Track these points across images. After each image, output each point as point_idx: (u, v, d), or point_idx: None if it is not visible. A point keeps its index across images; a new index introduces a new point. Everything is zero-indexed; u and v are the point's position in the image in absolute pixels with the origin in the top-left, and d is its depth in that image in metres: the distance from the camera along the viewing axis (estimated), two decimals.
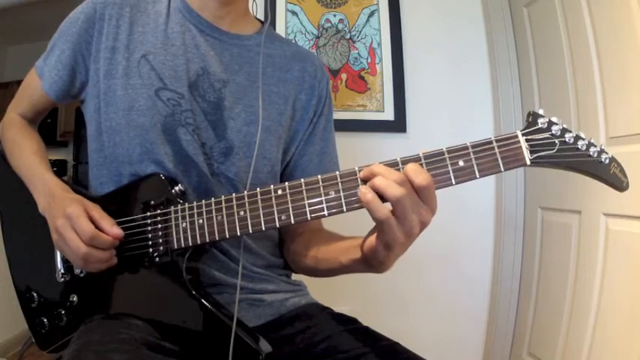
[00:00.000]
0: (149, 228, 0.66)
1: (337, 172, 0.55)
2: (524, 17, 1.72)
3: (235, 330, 0.61)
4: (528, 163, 0.51)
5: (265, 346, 0.63)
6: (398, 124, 1.74)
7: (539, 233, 1.66)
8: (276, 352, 0.65)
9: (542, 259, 1.64)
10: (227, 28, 0.78)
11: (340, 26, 1.77)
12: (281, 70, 0.81)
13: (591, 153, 0.52)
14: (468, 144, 0.52)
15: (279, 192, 0.57)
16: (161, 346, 0.61)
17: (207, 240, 0.61)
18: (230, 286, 0.71)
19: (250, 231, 0.58)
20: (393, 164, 0.53)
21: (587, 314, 1.34)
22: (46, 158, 0.79)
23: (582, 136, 0.52)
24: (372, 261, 0.57)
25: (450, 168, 0.52)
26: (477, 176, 0.51)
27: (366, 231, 0.58)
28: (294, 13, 1.76)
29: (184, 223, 0.63)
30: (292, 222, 0.56)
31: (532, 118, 0.52)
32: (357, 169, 0.54)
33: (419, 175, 0.50)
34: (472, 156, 0.51)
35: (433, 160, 0.52)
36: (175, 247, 0.64)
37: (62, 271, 0.71)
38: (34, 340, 0.76)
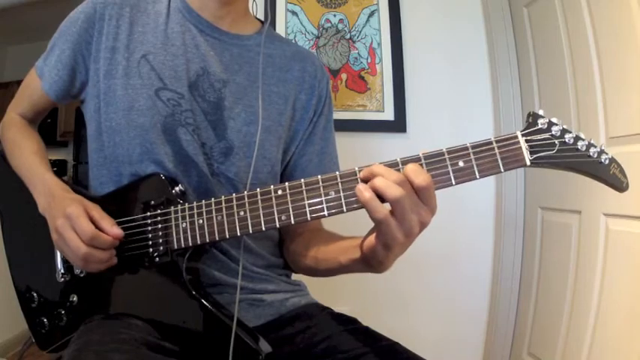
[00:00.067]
0: (149, 228, 0.66)
1: (337, 173, 0.55)
2: (524, 17, 1.72)
3: (235, 330, 0.61)
4: (528, 163, 0.51)
5: (265, 346, 0.63)
6: (398, 124, 1.74)
7: (539, 233, 1.66)
8: (276, 352, 0.65)
9: (542, 259, 1.64)
10: (227, 28, 0.78)
11: (340, 26, 1.77)
12: (281, 70, 0.81)
13: (591, 153, 0.52)
14: (468, 144, 0.52)
15: (279, 192, 0.57)
16: (161, 346, 0.61)
17: (207, 240, 0.61)
18: (230, 286, 0.71)
19: (250, 231, 0.58)
20: (393, 164, 0.53)
21: (587, 314, 1.34)
22: (46, 158, 0.79)
23: (582, 136, 0.52)
24: (372, 261, 0.57)
25: (449, 168, 0.52)
26: (477, 177, 0.51)
27: (365, 231, 0.58)
28: (294, 13, 1.76)
29: (184, 223, 0.63)
30: (292, 222, 0.56)
31: (532, 118, 0.53)
32: (357, 169, 0.54)
33: (419, 175, 0.50)
34: (472, 156, 0.51)
35: (433, 161, 0.52)
36: (175, 247, 0.64)
37: (62, 271, 0.71)
38: (34, 340, 0.76)
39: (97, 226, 0.62)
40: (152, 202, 0.66)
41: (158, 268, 0.65)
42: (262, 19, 0.87)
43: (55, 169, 0.83)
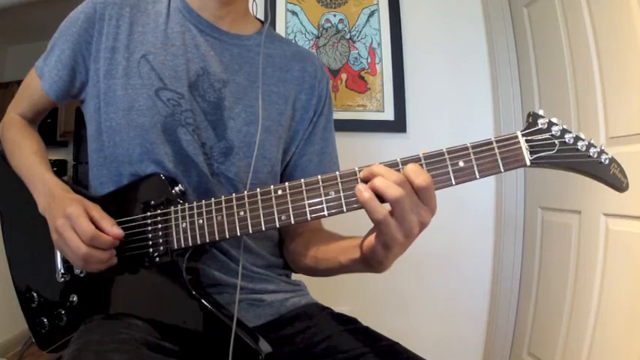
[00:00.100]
0: (149, 228, 0.66)
1: (337, 173, 0.55)
2: (524, 17, 1.72)
3: (235, 330, 0.61)
4: (528, 163, 0.51)
5: (265, 346, 0.63)
6: (398, 124, 1.74)
7: (539, 233, 1.66)
8: (276, 352, 0.65)
9: (542, 259, 1.64)
10: (227, 28, 0.78)
11: (340, 26, 1.77)
12: (281, 70, 0.81)
13: (591, 154, 0.52)
14: (468, 144, 0.52)
15: (279, 192, 0.57)
16: (161, 346, 0.61)
17: (207, 240, 0.61)
18: (230, 286, 0.71)
19: (250, 231, 0.58)
20: (393, 165, 0.53)
21: (587, 314, 1.34)
22: (46, 158, 0.79)
23: (582, 136, 0.52)
24: (371, 261, 0.57)
25: (450, 168, 0.52)
26: (477, 177, 0.51)
27: (365, 231, 0.58)
28: (294, 13, 1.76)
29: (184, 224, 0.63)
30: (292, 222, 0.56)
31: (532, 118, 0.53)
32: (357, 169, 0.54)
33: (419, 175, 0.50)
34: (472, 156, 0.51)
35: (433, 161, 0.52)
36: (175, 247, 0.64)
37: (62, 271, 0.71)
38: (34, 340, 0.76)
39: (97, 226, 0.62)
40: (152, 202, 0.66)
41: (158, 268, 0.65)
42: (262, 19, 0.87)
43: (55, 169, 0.84)
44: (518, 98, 1.78)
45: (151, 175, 0.69)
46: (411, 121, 1.75)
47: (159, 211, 0.65)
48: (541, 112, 0.52)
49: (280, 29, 1.73)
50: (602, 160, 0.52)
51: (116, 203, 0.69)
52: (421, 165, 0.52)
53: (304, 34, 1.75)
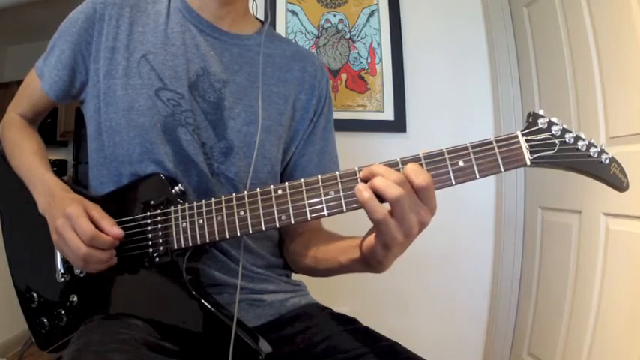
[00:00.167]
0: (149, 228, 0.66)
1: (337, 173, 0.55)
2: (524, 17, 1.72)
3: (235, 330, 0.61)
4: (528, 163, 0.51)
5: (265, 346, 0.63)
6: (398, 124, 1.74)
7: (539, 233, 1.66)
8: (276, 352, 0.65)
9: (542, 259, 1.64)
10: (227, 28, 0.78)
11: (340, 26, 1.77)
12: (281, 70, 0.81)
13: (591, 153, 0.52)
14: (468, 144, 0.52)
15: (279, 192, 0.57)
16: (161, 346, 0.61)
17: (207, 240, 0.61)
18: (230, 286, 0.71)
19: (250, 231, 0.58)
20: (393, 164, 0.53)
21: (587, 314, 1.34)
22: (46, 158, 0.79)
23: (582, 136, 0.52)
24: (371, 261, 0.57)
25: (450, 168, 0.51)
26: (477, 177, 0.51)
27: (365, 231, 0.58)
28: (294, 13, 1.76)
29: (184, 224, 0.63)
30: (292, 222, 0.56)
31: (532, 118, 0.52)
32: (357, 169, 0.54)
33: (418, 175, 0.50)
34: (472, 156, 0.51)
35: (433, 161, 0.52)
36: (175, 247, 0.64)
37: (62, 271, 0.71)
38: (34, 340, 0.76)
39: (97, 226, 0.62)
40: (152, 202, 0.66)
41: (158, 268, 0.65)
42: (262, 19, 0.87)
43: (55, 169, 0.83)
44: (518, 98, 1.78)
45: (151, 175, 0.69)
46: (411, 121, 1.75)
47: (159, 211, 0.65)
48: (541, 112, 0.52)
49: (280, 29, 1.73)
50: (603, 160, 0.52)
51: (116, 203, 0.69)
52: (421, 165, 0.52)
53: (304, 34, 1.75)
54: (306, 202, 0.56)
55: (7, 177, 0.79)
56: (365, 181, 0.52)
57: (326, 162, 0.84)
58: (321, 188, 0.55)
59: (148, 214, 0.66)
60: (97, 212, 0.64)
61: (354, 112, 1.74)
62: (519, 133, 0.52)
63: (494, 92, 1.79)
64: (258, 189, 0.59)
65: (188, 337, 0.63)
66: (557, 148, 0.51)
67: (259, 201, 0.58)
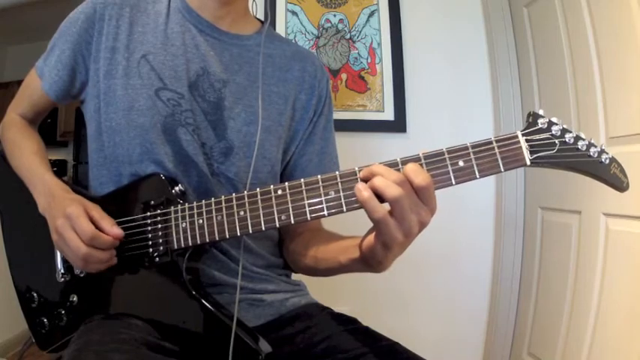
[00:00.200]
0: (149, 228, 0.66)
1: (337, 172, 0.55)
2: (524, 17, 1.72)
3: (235, 330, 0.61)
4: (528, 163, 0.51)
5: (265, 346, 0.63)
6: (398, 124, 1.74)
7: (539, 233, 1.66)
8: (276, 352, 0.65)
9: (542, 259, 1.64)
10: (227, 28, 0.78)
11: (340, 26, 1.77)
12: (281, 70, 0.81)
13: (591, 153, 0.52)
14: (468, 144, 0.52)
15: (279, 192, 0.57)
16: (161, 346, 0.61)
17: (207, 240, 0.61)
18: (230, 286, 0.71)
19: (250, 231, 0.58)
20: (392, 164, 0.52)
21: (587, 314, 1.34)
22: (46, 158, 0.79)
23: (582, 136, 0.52)
24: (371, 260, 0.57)
25: (449, 168, 0.51)
26: (477, 176, 0.51)
27: (365, 231, 0.58)
28: (294, 13, 1.76)
29: (184, 223, 0.63)
30: (292, 222, 0.56)
31: (532, 118, 0.52)
32: (357, 169, 0.54)
33: (418, 175, 0.50)
34: (472, 156, 0.51)
35: (433, 161, 0.52)
36: (175, 247, 0.64)
37: (62, 271, 0.71)
38: (34, 340, 0.76)
39: (97, 227, 0.62)
40: (152, 202, 0.66)
41: (158, 268, 0.65)
42: (262, 19, 0.87)
43: (55, 169, 0.84)
44: (518, 98, 1.78)
45: (151, 175, 0.69)
46: (411, 121, 1.75)
47: (159, 211, 0.65)
48: (541, 112, 0.52)
49: (280, 29, 1.73)
50: (603, 160, 0.52)
51: (116, 203, 0.69)
52: (421, 165, 0.52)
53: (304, 34, 1.75)
54: (306, 201, 0.56)
55: (7, 177, 0.79)
56: (365, 180, 0.52)
57: (326, 162, 0.84)
58: (321, 188, 0.55)
59: (148, 214, 0.66)
60: (97, 212, 0.64)
61: (354, 112, 1.74)
62: (519, 133, 0.51)
63: (494, 92, 1.79)
64: (258, 189, 0.59)
65: (188, 337, 0.63)
66: (557, 147, 0.51)
67: (259, 201, 0.58)
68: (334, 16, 1.77)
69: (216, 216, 0.61)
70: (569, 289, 1.44)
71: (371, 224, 0.54)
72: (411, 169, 0.50)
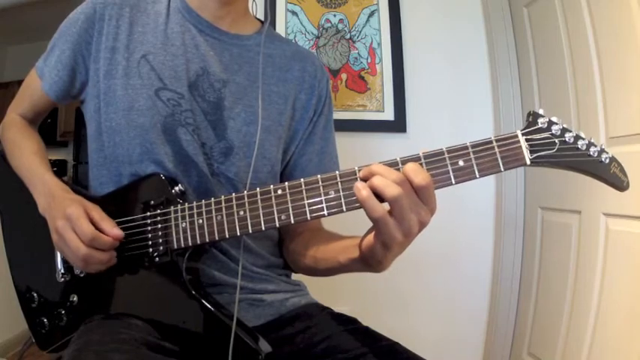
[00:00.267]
0: (149, 228, 0.66)
1: (337, 172, 0.55)
2: (524, 17, 1.72)
3: (235, 330, 0.61)
4: (528, 162, 0.51)
5: (265, 346, 0.63)
6: (398, 124, 1.74)
7: (539, 233, 1.66)
8: (276, 352, 0.65)
9: (542, 259, 1.64)
10: (227, 28, 0.78)
11: (340, 26, 1.77)
12: (281, 70, 0.81)
13: (591, 153, 0.52)
14: (468, 144, 0.51)
15: (279, 192, 0.57)
16: (161, 346, 0.61)
17: (207, 240, 0.61)
18: (230, 286, 0.71)
19: (250, 231, 0.58)
20: (392, 164, 0.52)
21: (587, 314, 1.34)
22: (46, 159, 0.79)
23: (582, 135, 0.52)
24: (370, 260, 0.56)
25: (449, 168, 0.51)
26: (477, 176, 0.51)
27: (365, 231, 0.58)
28: (294, 13, 1.76)
29: (184, 223, 0.63)
30: (292, 222, 0.56)
31: (532, 117, 0.52)
32: (356, 168, 0.54)
33: (418, 174, 0.50)
34: (472, 156, 0.51)
35: (433, 160, 0.52)
36: (175, 247, 0.64)
37: (62, 271, 0.71)
38: (34, 340, 0.76)
39: (97, 227, 0.62)
40: (152, 202, 0.66)
41: (158, 268, 0.65)
42: (262, 19, 0.87)
43: (55, 169, 0.84)
44: (518, 98, 1.78)
45: (151, 175, 0.69)
46: (411, 121, 1.75)
47: (158, 211, 0.65)
48: (541, 112, 0.52)
49: (280, 29, 1.73)
50: (603, 159, 0.52)
51: (116, 203, 0.69)
52: (421, 164, 0.52)
53: (304, 34, 1.75)
54: (305, 201, 0.56)
55: (7, 177, 0.79)
56: (364, 180, 0.52)
57: (326, 162, 0.84)
58: (321, 188, 0.55)
59: (148, 214, 0.66)
60: (97, 213, 0.64)
61: (354, 112, 1.74)
62: (519, 133, 0.51)
63: (494, 92, 1.79)
64: (258, 189, 0.59)
65: (188, 337, 0.63)
66: (557, 147, 0.51)
67: (259, 201, 0.58)
68: (334, 16, 1.77)
69: (216, 216, 0.61)
70: (569, 289, 1.44)
71: (371, 224, 0.54)
72: (410, 168, 0.50)
